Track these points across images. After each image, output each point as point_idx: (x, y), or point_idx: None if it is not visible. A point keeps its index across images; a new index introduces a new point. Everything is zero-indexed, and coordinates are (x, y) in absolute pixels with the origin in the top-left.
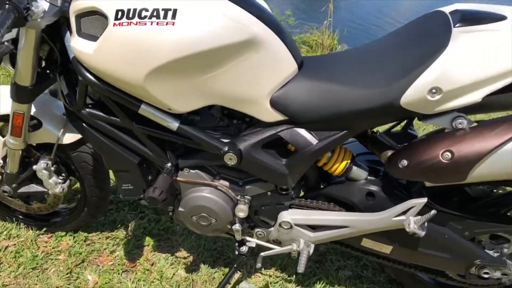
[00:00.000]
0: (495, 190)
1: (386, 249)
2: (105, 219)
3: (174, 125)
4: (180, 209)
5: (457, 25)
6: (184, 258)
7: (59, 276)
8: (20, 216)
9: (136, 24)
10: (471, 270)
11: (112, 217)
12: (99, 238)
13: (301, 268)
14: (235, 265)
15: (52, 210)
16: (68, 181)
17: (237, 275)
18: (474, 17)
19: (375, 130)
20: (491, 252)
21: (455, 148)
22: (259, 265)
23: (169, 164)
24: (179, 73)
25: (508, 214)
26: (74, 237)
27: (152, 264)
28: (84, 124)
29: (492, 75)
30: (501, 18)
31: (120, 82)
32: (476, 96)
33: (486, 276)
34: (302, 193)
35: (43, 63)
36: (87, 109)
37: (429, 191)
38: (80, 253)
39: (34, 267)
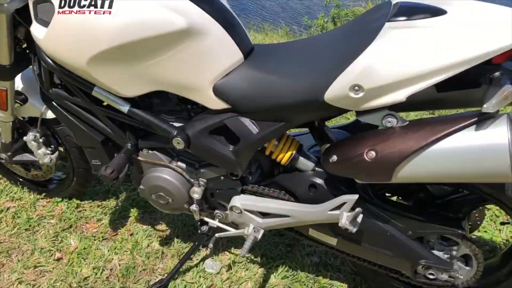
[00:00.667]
0: (459, 191)
1: (332, 241)
2: (100, 189)
3: (124, 108)
4: (141, 186)
5: (390, 19)
6: (162, 231)
7: (46, 238)
8: (23, 181)
9: (77, 13)
10: (418, 269)
11: (107, 187)
12: (91, 206)
13: (243, 252)
14: (196, 243)
15: (47, 177)
16: (56, 153)
17: (204, 253)
18: (410, 11)
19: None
20: (440, 254)
21: (379, 147)
22: (211, 245)
23: (129, 144)
24: (120, 59)
25: (460, 216)
26: (68, 203)
27: (131, 234)
28: (53, 102)
29: (415, 75)
30: (439, 12)
31: (69, 66)
32: (399, 96)
33: (431, 277)
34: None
35: (24, 44)
36: (54, 89)
37: (386, 186)
38: (70, 219)
39: (27, 228)
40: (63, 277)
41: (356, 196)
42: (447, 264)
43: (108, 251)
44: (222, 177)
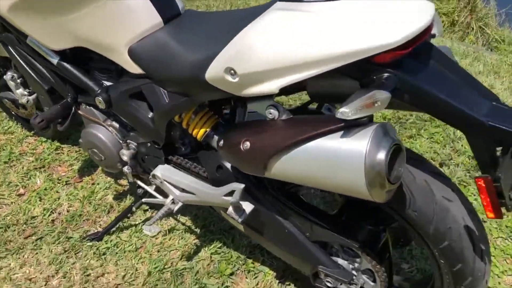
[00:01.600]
0: None
1: (239, 226)
2: None
3: (54, 60)
4: (80, 140)
5: None
6: (121, 186)
7: (17, 173)
8: (17, 116)
9: None
10: (319, 274)
11: None
12: (69, 151)
13: (150, 222)
14: (132, 204)
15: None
16: (34, 95)
17: (150, 214)
18: None
19: None
20: (345, 263)
21: (254, 139)
22: (134, 208)
23: (68, 97)
24: (39, 11)
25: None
26: (50, 144)
27: (93, 184)
28: (8, 46)
29: (288, 65)
30: None
31: (0, 13)
32: (271, 86)
33: (329, 285)
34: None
35: None
36: (5, 33)
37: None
38: (45, 159)
39: (6, 161)
40: (15, 213)
41: (242, 186)
42: (345, 275)
43: (66, 195)
44: (149, 144)
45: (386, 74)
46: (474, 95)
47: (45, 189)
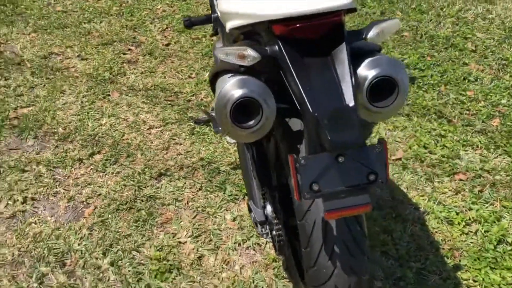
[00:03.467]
0: None
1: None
2: None
3: None
4: None
5: None
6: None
7: None
8: None
9: None
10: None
11: None
12: None
13: None
14: None
15: None
16: None
17: None
18: None
19: None
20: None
21: None
22: None
23: None
24: None
25: None
26: None
27: None
28: None
29: (230, 13)
30: None
31: None
32: (227, 26)
33: None
34: None
35: None
36: None
37: None
38: None
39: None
40: None
41: None
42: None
43: None
44: None
45: (271, 42)
46: (332, 92)
47: None
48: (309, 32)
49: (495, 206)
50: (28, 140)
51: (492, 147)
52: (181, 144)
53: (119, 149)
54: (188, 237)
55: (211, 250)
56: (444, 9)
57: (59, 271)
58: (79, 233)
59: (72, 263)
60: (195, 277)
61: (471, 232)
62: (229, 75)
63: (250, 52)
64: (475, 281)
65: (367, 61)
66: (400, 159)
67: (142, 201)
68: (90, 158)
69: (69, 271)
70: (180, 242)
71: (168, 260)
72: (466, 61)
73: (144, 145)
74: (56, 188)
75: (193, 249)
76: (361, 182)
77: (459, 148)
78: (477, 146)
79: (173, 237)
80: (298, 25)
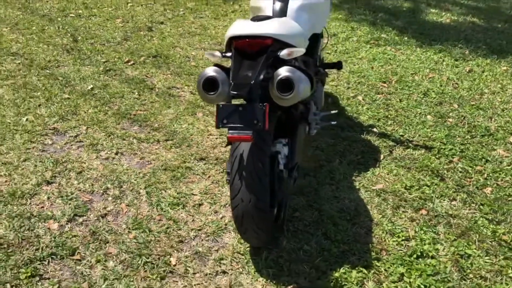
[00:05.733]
0: None
1: None
2: None
3: None
4: None
5: None
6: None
7: None
8: None
9: None
10: None
11: None
12: None
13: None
14: None
15: None
16: None
17: None
18: None
19: None
20: None
21: None
22: None
23: None
24: None
25: None
26: None
27: None
28: None
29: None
30: None
31: None
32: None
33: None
34: None
35: None
36: None
37: None
38: None
39: None
40: None
41: None
42: None
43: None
44: None
45: (231, 50)
46: (245, 76)
47: None
48: (247, 46)
49: (439, 235)
50: (134, 126)
51: (469, 203)
52: None
53: (182, 138)
54: None
55: None
56: (504, 110)
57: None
58: (140, 174)
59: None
60: None
61: (407, 245)
62: (211, 65)
63: (217, 54)
64: (386, 271)
65: (281, 67)
66: (379, 189)
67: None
68: (163, 142)
69: None
70: None
71: None
72: (495, 147)
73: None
74: (136, 152)
75: None
76: (248, 123)
77: (437, 196)
78: (454, 199)
79: None
80: (240, 41)
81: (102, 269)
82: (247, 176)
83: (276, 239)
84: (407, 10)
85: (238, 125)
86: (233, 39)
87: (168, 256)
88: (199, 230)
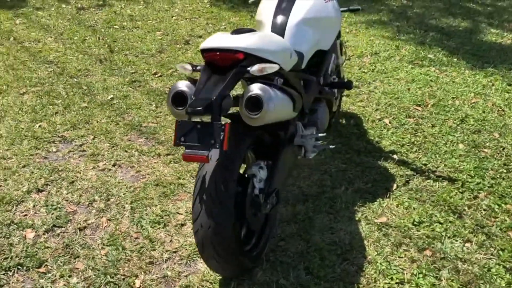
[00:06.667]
0: None
1: None
2: None
3: None
4: None
5: None
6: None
7: None
8: None
9: None
10: None
11: None
12: None
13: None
14: None
15: None
16: None
17: None
18: None
19: None
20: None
21: None
22: None
23: None
24: None
25: None
26: None
27: None
28: None
29: None
30: None
31: None
32: None
33: None
34: None
35: None
36: None
37: None
38: None
39: None
40: None
41: None
42: None
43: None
44: None
45: (199, 67)
46: (209, 90)
47: None
48: (218, 60)
49: (440, 281)
50: (141, 138)
51: (487, 246)
52: None
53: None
54: None
55: None
56: None
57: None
58: (130, 188)
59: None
60: None
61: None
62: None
63: (187, 67)
64: None
65: (253, 84)
66: (382, 223)
67: None
68: (164, 156)
69: None
70: None
71: None
72: None
73: None
74: (134, 164)
75: None
76: (205, 142)
77: (448, 235)
78: (469, 240)
79: None
80: (211, 54)
81: (64, 285)
82: (207, 199)
83: (251, 270)
84: (463, 30)
85: (195, 143)
86: (204, 51)
87: (134, 278)
88: (174, 252)
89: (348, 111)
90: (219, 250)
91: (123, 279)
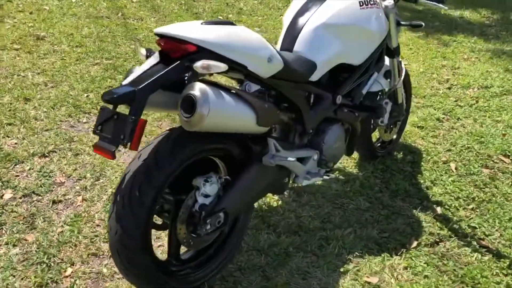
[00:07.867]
0: None
1: None
2: None
3: None
4: None
5: None
6: None
7: None
8: None
9: None
10: None
11: None
12: None
13: None
14: None
15: None
16: None
17: None
18: None
19: None
20: None
21: None
22: None
23: None
24: None
25: None
26: None
27: None
28: None
29: None
30: None
31: None
32: None
33: None
34: None
35: None
36: None
37: None
38: None
39: None
40: None
41: None
42: None
43: None
44: None
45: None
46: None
47: None
48: (168, 49)
49: None
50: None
51: None
52: None
53: None
54: None
55: None
56: None
57: None
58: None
59: None
60: None
61: None
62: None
63: (142, 51)
64: None
65: (194, 82)
66: (371, 283)
67: None
68: None
69: None
70: None
71: None
72: None
73: None
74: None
75: None
76: (115, 137)
77: None
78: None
79: None
80: (161, 40)
81: (4, 252)
82: (119, 201)
83: None
84: None
85: (108, 136)
86: (157, 36)
87: (69, 265)
88: None
89: (413, 144)
90: (126, 261)
91: (58, 263)
